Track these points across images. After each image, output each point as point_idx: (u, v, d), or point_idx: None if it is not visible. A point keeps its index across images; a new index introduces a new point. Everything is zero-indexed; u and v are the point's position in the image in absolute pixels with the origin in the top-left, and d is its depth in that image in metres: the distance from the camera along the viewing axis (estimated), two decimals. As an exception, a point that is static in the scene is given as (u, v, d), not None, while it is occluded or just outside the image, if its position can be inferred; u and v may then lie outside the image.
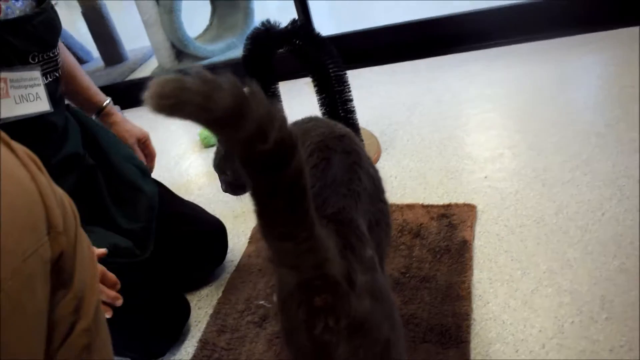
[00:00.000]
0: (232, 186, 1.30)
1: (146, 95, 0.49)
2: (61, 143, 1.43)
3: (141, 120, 1.84)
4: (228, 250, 1.79)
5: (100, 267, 1.15)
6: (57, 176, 1.40)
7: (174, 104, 0.49)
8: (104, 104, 1.71)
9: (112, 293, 1.14)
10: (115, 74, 3.86)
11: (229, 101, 0.52)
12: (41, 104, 1.28)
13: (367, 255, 0.89)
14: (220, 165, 1.28)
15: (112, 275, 1.15)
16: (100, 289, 1.15)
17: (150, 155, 1.82)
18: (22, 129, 1.23)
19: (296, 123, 1.14)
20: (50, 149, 1.39)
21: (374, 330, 0.86)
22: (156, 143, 1.88)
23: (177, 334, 1.54)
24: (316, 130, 1.07)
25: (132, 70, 3.92)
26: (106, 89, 1.82)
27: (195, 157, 2.58)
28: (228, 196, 1.40)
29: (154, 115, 0.52)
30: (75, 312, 0.53)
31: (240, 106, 0.53)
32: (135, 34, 4.12)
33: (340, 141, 1.04)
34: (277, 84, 2.05)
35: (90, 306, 0.56)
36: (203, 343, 1.49)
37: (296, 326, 0.85)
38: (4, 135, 0.50)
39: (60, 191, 0.58)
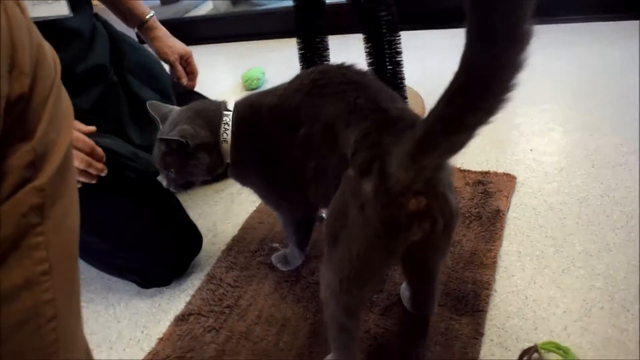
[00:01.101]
0: (175, 183, 1.20)
1: None
2: (87, 52, 1.38)
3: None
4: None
5: (90, 141, 1.21)
6: (83, 86, 1.38)
7: None
8: (147, 16, 1.65)
9: (100, 165, 1.24)
10: (170, 12, 3.81)
11: None
12: (59, 7, 1.22)
13: None
14: (162, 162, 1.17)
15: (100, 150, 1.25)
16: (88, 161, 1.21)
17: (192, 73, 1.77)
18: (43, 33, 1.18)
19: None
20: (75, 57, 1.34)
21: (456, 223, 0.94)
22: (199, 82, 1.84)
23: (185, 265, 1.49)
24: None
25: (187, 11, 3.87)
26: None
27: (236, 99, 2.53)
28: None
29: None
30: (31, 167, 0.48)
31: None
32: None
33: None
34: (327, 36, 1.97)
35: (51, 166, 0.50)
36: (210, 277, 1.44)
37: (375, 235, 0.86)
38: None
39: (42, 40, 0.53)
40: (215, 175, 1.20)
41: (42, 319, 0.50)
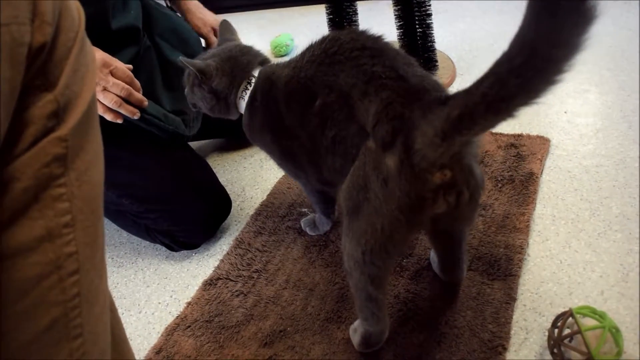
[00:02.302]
0: (189, 101, 1.29)
1: None
2: (121, 11, 1.38)
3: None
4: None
5: (129, 72, 1.27)
6: (119, 44, 1.38)
7: None
8: None
9: (140, 96, 1.28)
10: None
11: None
12: None
13: None
14: (187, 78, 1.26)
15: (137, 82, 1.29)
16: (128, 90, 1.25)
17: None
18: None
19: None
20: (109, 13, 1.33)
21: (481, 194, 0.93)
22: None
23: (214, 228, 1.49)
24: None
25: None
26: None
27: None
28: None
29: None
30: (53, 118, 0.47)
31: None
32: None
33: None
34: (356, 1, 1.93)
35: (73, 118, 0.49)
36: (238, 242, 1.43)
37: (401, 206, 0.84)
38: None
39: None
40: (216, 116, 1.28)
41: (64, 272, 0.50)
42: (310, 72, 1.00)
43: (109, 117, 1.26)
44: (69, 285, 0.50)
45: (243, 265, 1.34)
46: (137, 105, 1.29)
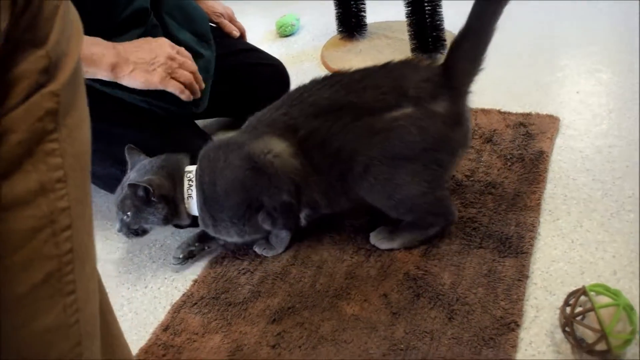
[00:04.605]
0: (127, 229, 1.25)
1: None
2: None
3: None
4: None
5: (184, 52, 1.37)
6: (126, 27, 1.36)
7: None
8: None
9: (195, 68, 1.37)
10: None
11: None
12: None
13: None
14: (121, 205, 1.23)
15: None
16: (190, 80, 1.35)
17: (239, 30, 1.80)
18: None
19: None
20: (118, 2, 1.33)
21: None
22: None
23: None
24: None
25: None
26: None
27: (269, 45, 2.47)
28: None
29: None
30: (45, 73, 0.48)
31: None
32: None
33: None
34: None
35: (63, 75, 0.50)
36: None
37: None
38: None
39: None
40: (169, 224, 1.29)
41: (57, 227, 0.50)
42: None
43: (184, 96, 1.35)
44: (63, 240, 0.51)
45: (249, 244, 1.33)
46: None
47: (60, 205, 0.50)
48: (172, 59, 1.31)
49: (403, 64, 1.19)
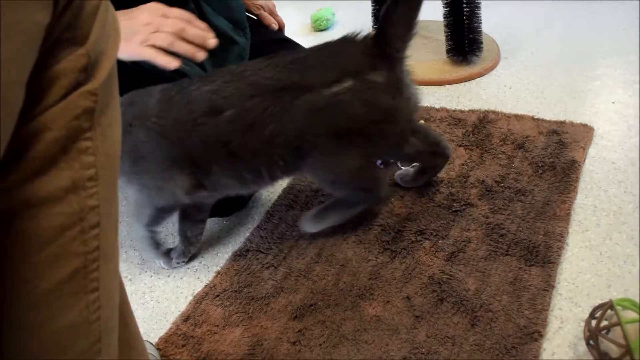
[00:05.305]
0: None
1: None
2: None
3: None
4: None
5: (188, 15, 1.23)
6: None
7: None
8: None
9: (198, 31, 1.22)
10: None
11: None
12: None
13: None
14: None
15: (201, 23, 1.26)
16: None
17: (278, 23, 1.78)
18: None
19: None
20: None
21: None
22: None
23: (246, 200, 1.47)
24: None
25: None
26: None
27: (303, 39, 2.47)
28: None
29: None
30: (84, 72, 0.49)
31: None
32: None
33: None
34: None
35: (101, 74, 0.51)
36: (270, 215, 1.42)
37: None
38: None
39: None
40: None
41: (86, 225, 0.51)
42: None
43: (160, 60, 1.19)
44: (90, 237, 0.52)
45: (274, 239, 1.33)
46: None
47: (90, 204, 0.51)
48: (147, 24, 1.20)
49: (341, 40, 1.20)
